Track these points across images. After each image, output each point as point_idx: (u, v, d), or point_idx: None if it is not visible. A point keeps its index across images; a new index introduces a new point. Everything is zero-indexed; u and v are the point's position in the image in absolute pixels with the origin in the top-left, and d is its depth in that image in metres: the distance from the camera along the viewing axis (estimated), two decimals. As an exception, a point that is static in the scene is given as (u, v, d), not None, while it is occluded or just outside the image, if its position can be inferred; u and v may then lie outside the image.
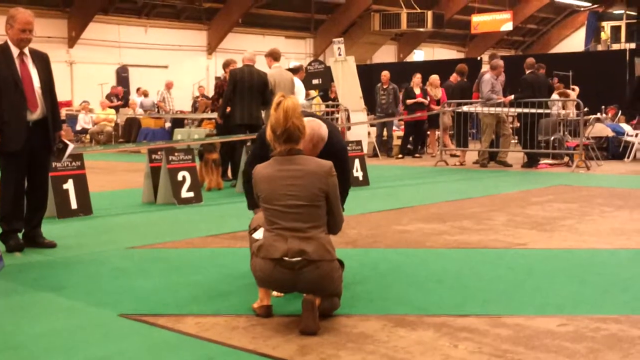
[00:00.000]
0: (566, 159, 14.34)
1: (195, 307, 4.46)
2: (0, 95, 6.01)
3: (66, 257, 5.96)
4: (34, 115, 6.13)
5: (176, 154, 9.15)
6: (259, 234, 4.19)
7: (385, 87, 17.17)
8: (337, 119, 17.69)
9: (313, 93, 17.32)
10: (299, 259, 3.98)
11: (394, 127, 18.01)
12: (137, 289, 4.93)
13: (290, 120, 4.06)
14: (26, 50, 6.17)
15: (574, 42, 38.57)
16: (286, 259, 3.99)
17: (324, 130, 4.58)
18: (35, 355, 3.66)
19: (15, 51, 6.10)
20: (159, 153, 9.27)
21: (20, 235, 6.32)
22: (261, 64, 11.10)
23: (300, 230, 4.02)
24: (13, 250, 6.13)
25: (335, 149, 4.65)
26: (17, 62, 6.10)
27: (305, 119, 4.26)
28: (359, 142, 11.72)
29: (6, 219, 6.19)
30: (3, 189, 6.18)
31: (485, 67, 18.98)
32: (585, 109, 14.45)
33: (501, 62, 14.58)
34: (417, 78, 16.80)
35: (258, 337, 3.87)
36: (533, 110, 13.69)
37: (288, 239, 4.02)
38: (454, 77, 16.78)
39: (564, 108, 14.95)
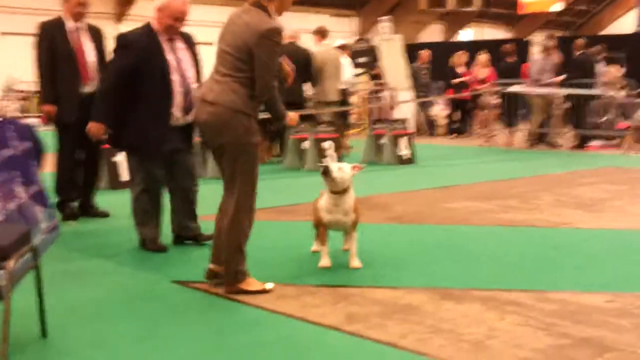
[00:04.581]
0: (617, 140, 14.10)
1: (245, 276, 4.55)
2: (54, 68, 6.19)
3: (119, 226, 6.11)
4: (88, 87, 6.28)
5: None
6: None
7: (425, 65, 17.15)
8: (383, 97, 17.64)
9: (359, 71, 17.29)
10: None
11: (441, 107, 17.88)
12: (188, 257, 5.07)
13: None
14: (82, 24, 6.32)
15: (627, 23, 37.65)
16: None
17: None
18: (88, 318, 3.80)
19: (70, 25, 6.25)
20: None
21: (75, 204, 6.50)
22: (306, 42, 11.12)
23: (219, 73, 4.24)
24: (68, 218, 6.32)
25: None
26: (72, 35, 6.25)
27: None
28: (404, 121, 11.70)
29: (62, 189, 6.38)
30: (59, 160, 6.36)
31: (534, 49, 18.65)
32: (638, 90, 14.17)
33: (551, 43, 14.33)
34: (459, 57, 16.76)
35: (307, 306, 3.96)
36: (582, 92, 13.46)
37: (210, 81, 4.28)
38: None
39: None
